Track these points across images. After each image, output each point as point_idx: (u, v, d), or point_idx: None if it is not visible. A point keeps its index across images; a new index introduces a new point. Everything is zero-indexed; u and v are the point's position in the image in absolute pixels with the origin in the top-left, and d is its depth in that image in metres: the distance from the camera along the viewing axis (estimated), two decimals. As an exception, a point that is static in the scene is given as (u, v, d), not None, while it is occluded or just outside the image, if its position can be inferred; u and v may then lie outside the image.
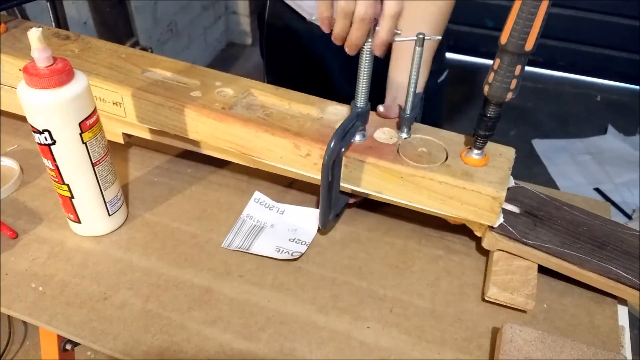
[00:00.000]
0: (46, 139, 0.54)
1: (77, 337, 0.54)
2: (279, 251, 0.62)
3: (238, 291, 0.59)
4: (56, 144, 0.54)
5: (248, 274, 0.60)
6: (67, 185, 0.58)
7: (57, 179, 0.58)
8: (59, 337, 0.69)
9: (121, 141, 0.72)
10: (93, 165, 0.58)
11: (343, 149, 0.58)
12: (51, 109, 0.52)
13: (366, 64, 0.56)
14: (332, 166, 0.58)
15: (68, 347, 0.70)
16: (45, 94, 0.51)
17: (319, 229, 0.66)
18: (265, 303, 0.58)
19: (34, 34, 0.50)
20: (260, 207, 0.68)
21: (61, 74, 0.51)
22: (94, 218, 0.62)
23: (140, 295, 0.58)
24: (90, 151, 0.56)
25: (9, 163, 0.72)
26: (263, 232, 0.65)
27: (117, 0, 1.68)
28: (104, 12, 1.63)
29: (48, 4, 0.90)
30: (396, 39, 0.56)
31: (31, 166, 0.72)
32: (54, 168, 0.56)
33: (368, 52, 0.56)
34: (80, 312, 0.56)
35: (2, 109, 0.76)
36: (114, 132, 0.71)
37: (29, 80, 0.51)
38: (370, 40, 0.55)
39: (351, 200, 0.68)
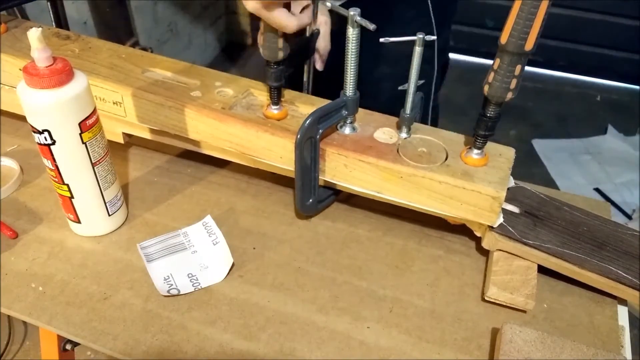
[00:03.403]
0: (46, 139, 0.54)
1: (77, 337, 0.54)
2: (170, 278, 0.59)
3: (238, 291, 0.59)
4: (56, 144, 0.54)
5: (248, 274, 0.60)
6: (67, 185, 0.58)
7: (57, 179, 0.58)
8: (59, 337, 0.69)
9: (121, 141, 0.72)
10: (93, 165, 0.57)
11: (321, 131, 0.59)
12: (51, 109, 0.52)
13: (353, 51, 0.56)
14: (309, 147, 0.59)
15: (68, 347, 0.70)
16: (45, 94, 0.51)
17: (296, 212, 0.65)
18: (265, 303, 0.58)
19: (34, 34, 0.50)
20: (203, 230, 0.64)
21: (61, 74, 0.51)
22: (94, 218, 0.62)
23: (140, 295, 0.58)
24: (90, 151, 0.56)
25: (9, 163, 0.72)
26: (180, 253, 0.62)
27: (117, 0, 1.67)
28: (104, 12, 1.63)
29: (48, 4, 0.90)
30: (394, 39, 0.55)
31: (31, 166, 0.72)
32: (53, 168, 0.56)
33: (354, 40, 0.56)
34: (80, 312, 0.56)
35: (2, 109, 0.76)
36: (114, 132, 0.71)
37: (29, 80, 0.51)
38: (357, 27, 0.55)
39: None
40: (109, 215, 0.63)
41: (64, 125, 0.53)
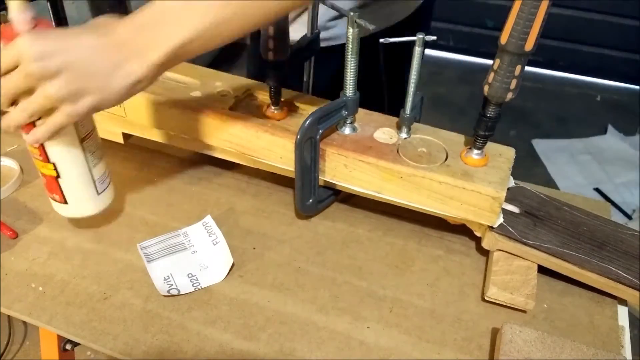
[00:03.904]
0: None
1: (77, 337, 0.54)
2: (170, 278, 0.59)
3: (238, 291, 0.59)
4: (40, 118, 0.48)
5: (248, 274, 0.60)
6: (53, 164, 0.55)
7: (41, 157, 0.55)
8: (59, 337, 0.69)
9: (121, 141, 0.72)
10: (81, 140, 0.55)
11: (321, 131, 0.59)
12: None
13: (353, 52, 0.56)
14: (309, 148, 0.59)
15: (68, 347, 0.70)
16: None
17: (296, 212, 0.66)
18: (265, 303, 0.58)
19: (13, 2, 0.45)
20: (203, 230, 0.64)
21: None
22: (82, 197, 0.59)
23: (140, 295, 0.58)
24: (78, 125, 0.53)
25: (9, 163, 0.72)
26: (180, 253, 0.62)
27: (117, 0, 1.68)
28: (104, 12, 1.63)
29: (48, 4, 0.90)
30: (393, 40, 0.55)
31: (31, 166, 0.71)
32: (37, 145, 0.53)
33: (354, 40, 0.56)
34: (80, 312, 0.56)
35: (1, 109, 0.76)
36: (114, 132, 0.71)
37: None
38: (357, 27, 0.54)
39: None
40: (98, 193, 0.60)
41: None
